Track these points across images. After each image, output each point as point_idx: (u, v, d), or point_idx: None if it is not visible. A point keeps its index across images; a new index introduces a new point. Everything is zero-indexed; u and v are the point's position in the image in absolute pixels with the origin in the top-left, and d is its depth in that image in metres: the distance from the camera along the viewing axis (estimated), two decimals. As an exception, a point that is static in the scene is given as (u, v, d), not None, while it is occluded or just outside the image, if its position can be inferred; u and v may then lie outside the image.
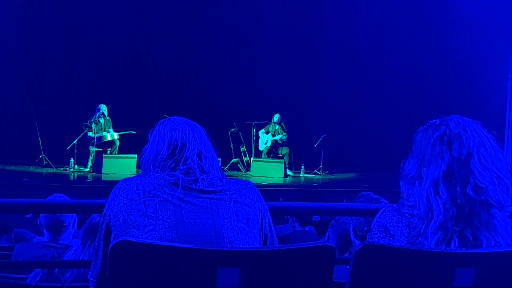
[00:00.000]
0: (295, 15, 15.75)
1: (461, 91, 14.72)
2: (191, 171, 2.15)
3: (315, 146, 13.42)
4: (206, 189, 2.10)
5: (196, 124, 2.34)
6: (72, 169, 12.04)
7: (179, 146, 2.22)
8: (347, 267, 1.74)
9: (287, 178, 12.74)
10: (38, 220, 3.58)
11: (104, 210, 2.13)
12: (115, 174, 11.33)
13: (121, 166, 11.62)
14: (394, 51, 15.48)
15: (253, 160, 13.09)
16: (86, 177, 11.51)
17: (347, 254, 3.41)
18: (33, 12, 14.66)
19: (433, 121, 2.04)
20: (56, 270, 2.90)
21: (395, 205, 2.00)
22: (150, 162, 2.23)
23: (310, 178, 13.13)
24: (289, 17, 15.77)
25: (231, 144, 13.31)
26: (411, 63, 15.42)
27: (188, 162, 2.18)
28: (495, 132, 2.01)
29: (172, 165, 2.17)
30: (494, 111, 13.78)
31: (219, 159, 2.34)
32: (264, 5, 15.57)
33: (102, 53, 15.00)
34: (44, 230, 3.52)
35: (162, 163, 2.19)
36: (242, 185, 2.18)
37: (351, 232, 3.28)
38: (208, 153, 2.25)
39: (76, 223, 3.58)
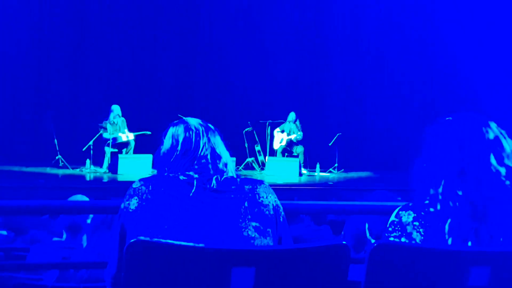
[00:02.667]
0: (307, 12, 15.73)
1: (476, 89, 14.65)
2: (205, 170, 2.16)
3: (329, 144, 13.39)
4: (220, 188, 2.11)
5: (210, 124, 2.35)
6: (88, 170, 12.10)
7: (192, 146, 2.23)
8: (363, 266, 1.73)
9: (302, 177, 12.73)
10: (57, 220, 3.61)
11: (119, 210, 2.15)
12: (130, 174, 11.37)
13: (136, 166, 11.67)
14: (409, 49, 15.40)
15: (268, 159, 13.09)
16: (102, 178, 11.58)
17: (362, 253, 3.39)
18: (45, 14, 14.77)
19: (446, 118, 2.03)
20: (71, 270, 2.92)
21: (410, 203, 1.99)
22: (164, 163, 2.24)
23: (325, 176, 13.11)
24: (302, 15, 15.75)
25: (246, 143, 13.31)
26: (426, 61, 15.35)
27: (202, 162, 2.19)
28: (510, 128, 1.99)
29: (186, 165, 2.18)
30: (508, 109, 13.69)
31: (234, 158, 2.35)
32: (277, 3, 15.58)
33: (115, 53, 15.06)
34: (64, 231, 3.55)
35: (176, 163, 2.20)
36: (256, 184, 2.19)
37: (367, 231, 3.27)
38: (222, 152, 2.26)
39: None
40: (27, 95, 14.59)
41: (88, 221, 3.50)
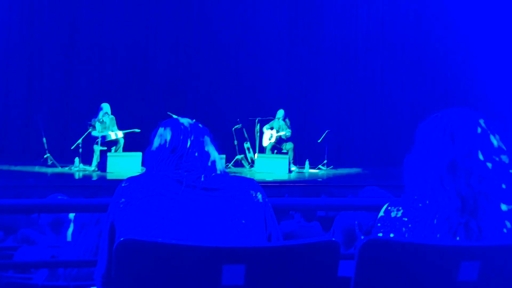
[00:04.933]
0: (298, 10, 15.73)
1: (467, 85, 14.74)
2: (194, 169, 2.16)
3: (318, 141, 13.41)
4: (209, 186, 2.11)
5: (198, 123, 2.35)
6: (77, 168, 12.06)
7: (181, 144, 2.23)
8: (353, 261, 1.74)
9: (292, 174, 12.74)
10: (39, 219, 3.59)
11: (109, 209, 2.14)
12: (119, 172, 11.34)
13: (125, 164, 11.64)
14: (398, 46, 15.45)
15: (257, 156, 13.09)
16: (91, 176, 11.53)
17: (352, 249, 3.41)
18: (35, 11, 14.69)
19: (436, 113, 2.04)
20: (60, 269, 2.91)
21: (399, 199, 2.00)
22: (154, 161, 2.25)
23: (314, 173, 13.12)
24: (292, 12, 15.75)
25: (235, 140, 13.30)
26: (415, 58, 15.39)
27: (191, 160, 2.20)
28: (498, 122, 2.00)
29: (175, 163, 2.19)
30: (499, 103, 13.78)
31: (223, 155, 2.35)
32: (267, 1, 15.57)
33: (105, 51, 15.02)
34: (47, 228, 3.53)
35: (165, 161, 2.21)
36: (245, 182, 2.20)
37: (356, 227, 3.28)
38: (210, 151, 2.27)
39: None
40: (16, 93, 14.51)
41: (71, 216, 3.46)
